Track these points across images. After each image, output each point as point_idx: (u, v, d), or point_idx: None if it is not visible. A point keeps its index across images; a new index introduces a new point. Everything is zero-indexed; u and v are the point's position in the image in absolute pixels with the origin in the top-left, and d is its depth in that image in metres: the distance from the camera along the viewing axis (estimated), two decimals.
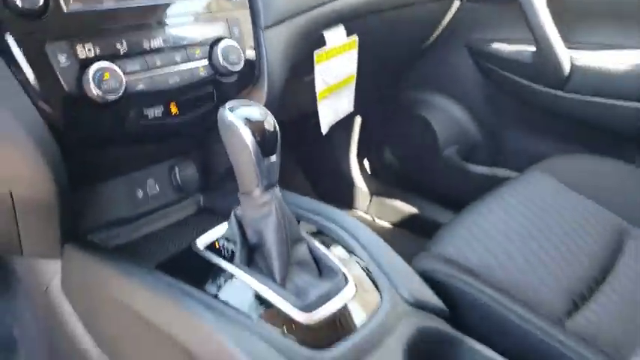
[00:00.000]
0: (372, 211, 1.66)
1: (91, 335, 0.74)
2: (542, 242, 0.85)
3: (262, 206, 0.59)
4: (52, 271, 0.77)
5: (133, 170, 0.79)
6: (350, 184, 1.66)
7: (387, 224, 1.62)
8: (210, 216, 0.84)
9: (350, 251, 0.70)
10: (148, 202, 0.81)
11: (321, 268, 0.65)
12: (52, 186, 0.60)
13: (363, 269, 0.68)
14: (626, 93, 1.12)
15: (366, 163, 1.70)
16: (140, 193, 0.80)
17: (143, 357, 0.67)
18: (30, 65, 0.53)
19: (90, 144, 0.65)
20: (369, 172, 1.70)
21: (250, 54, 0.74)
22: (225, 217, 0.68)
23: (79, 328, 0.75)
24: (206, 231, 0.72)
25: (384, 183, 1.68)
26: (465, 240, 0.85)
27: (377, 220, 1.63)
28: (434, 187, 1.53)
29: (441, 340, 0.66)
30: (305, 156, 1.64)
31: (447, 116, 1.46)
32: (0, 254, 0.95)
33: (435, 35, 1.37)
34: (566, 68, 1.16)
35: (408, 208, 1.59)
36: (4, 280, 1.04)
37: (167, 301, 0.60)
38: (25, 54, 0.52)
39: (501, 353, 0.64)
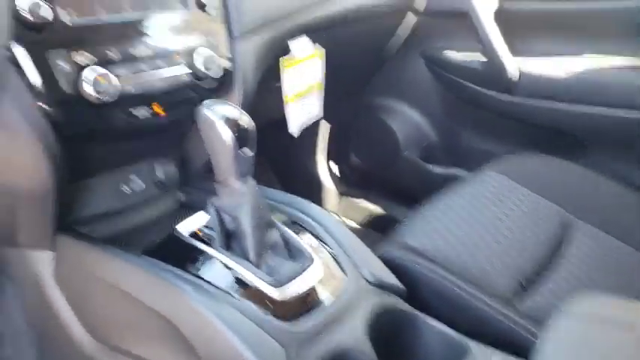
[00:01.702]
0: (340, 210, 1.75)
1: (82, 322, 0.80)
2: (492, 232, 0.94)
3: (238, 194, 0.67)
4: (43, 261, 0.83)
5: (118, 167, 0.86)
6: (319, 185, 1.74)
7: (353, 223, 1.71)
8: (189, 210, 0.92)
9: (318, 238, 0.79)
10: (132, 197, 0.88)
11: (291, 251, 0.73)
12: (51, 178, 0.67)
13: (330, 253, 0.77)
14: (567, 96, 1.24)
15: (333, 165, 1.79)
16: (125, 188, 0.87)
17: (133, 338, 0.73)
18: (33, 69, 0.61)
19: (83, 140, 0.72)
20: (337, 174, 1.80)
21: (225, 61, 0.82)
22: (202, 209, 0.76)
23: (70, 316, 0.81)
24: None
25: (350, 184, 1.77)
26: (423, 230, 0.94)
27: (345, 219, 1.72)
28: (396, 186, 1.63)
29: (399, 317, 0.74)
30: (276, 159, 1.72)
31: (407, 120, 1.57)
32: None
33: (393, 45, 1.48)
34: (514, 75, 1.28)
35: (373, 207, 1.69)
36: None
37: (153, 280, 0.68)
38: (30, 60, 0.60)
39: (454, 328, 0.72)
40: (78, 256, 0.78)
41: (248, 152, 0.65)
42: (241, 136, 0.64)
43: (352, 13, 1.15)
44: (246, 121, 0.65)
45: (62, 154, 0.68)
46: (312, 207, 0.85)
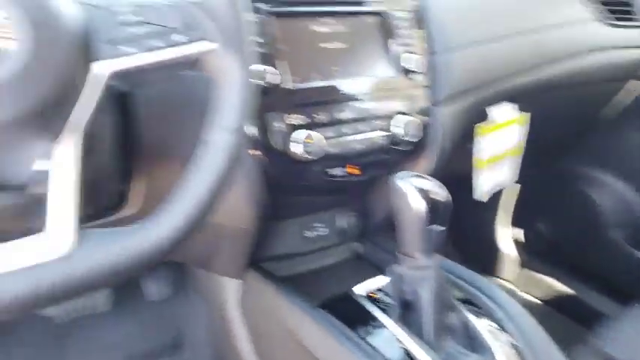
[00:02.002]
0: (520, 283, 1.60)
1: (255, 350, 0.86)
2: None
3: (422, 269, 0.65)
4: (231, 288, 0.91)
5: (305, 214, 0.92)
6: (498, 251, 1.63)
7: (535, 300, 1.55)
8: (365, 263, 0.94)
9: (500, 326, 0.72)
10: (313, 242, 0.93)
11: (470, 338, 0.68)
12: (254, 219, 0.74)
13: (515, 350, 0.69)
14: None
15: (516, 231, 1.66)
16: (308, 234, 0.92)
17: None
18: (254, 127, 0.68)
19: (282, 190, 0.78)
20: (520, 242, 1.66)
21: (424, 127, 0.82)
22: (378, 266, 0.76)
23: (246, 341, 0.88)
24: (362, 278, 0.80)
25: (535, 256, 1.61)
26: (633, 341, 0.80)
27: (524, 294, 1.57)
28: (593, 269, 1.44)
29: None
30: (453, 217, 1.66)
31: (615, 195, 1.38)
32: (189, 265, 1.13)
33: (608, 113, 1.33)
34: None
35: (560, 287, 1.51)
36: (183, 286, 1.24)
37: (326, 336, 0.69)
38: (252, 118, 0.67)
39: None
40: (262, 291, 0.84)
41: (439, 229, 0.63)
42: (434, 211, 0.62)
43: (564, 80, 1.06)
44: (441, 195, 0.63)
45: (264, 199, 0.75)
46: (494, 287, 0.78)
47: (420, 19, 0.85)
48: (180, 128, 0.62)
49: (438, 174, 0.83)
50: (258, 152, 0.70)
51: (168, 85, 0.61)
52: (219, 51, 0.45)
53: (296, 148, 0.70)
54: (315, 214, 0.93)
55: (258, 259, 0.88)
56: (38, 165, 0.39)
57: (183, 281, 1.21)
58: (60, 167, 0.39)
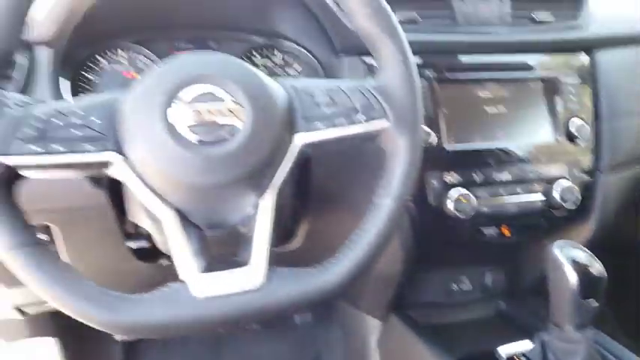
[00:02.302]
0: None
1: None
2: None
3: (572, 342, 0.64)
4: (372, 327, 0.97)
5: (452, 266, 0.94)
6: None
7: None
8: (509, 323, 0.93)
9: None
10: (457, 295, 0.95)
11: None
12: (402, 265, 0.80)
13: None
14: None
15: None
16: (453, 286, 0.95)
17: None
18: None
19: (430, 242, 0.82)
20: None
21: (585, 194, 0.81)
22: (523, 329, 0.75)
23: None
24: (506, 339, 0.80)
25: None
26: None
27: None
28: None
29: None
30: (617, 290, 1.52)
31: None
32: (341, 301, 1.21)
33: None
34: None
35: None
36: (328, 315, 1.32)
37: None
38: None
39: None
40: (402, 335, 0.89)
41: (592, 304, 0.62)
42: (588, 285, 0.61)
43: None
44: (597, 269, 0.62)
45: (414, 247, 0.80)
46: None
47: (587, 85, 0.84)
48: (348, 185, 0.70)
49: (601, 243, 0.81)
50: (413, 206, 0.75)
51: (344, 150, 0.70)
52: (392, 129, 0.52)
53: (450, 206, 0.74)
54: (462, 267, 0.95)
55: (402, 304, 0.93)
56: (248, 212, 0.50)
57: (328, 311, 1.29)
58: (262, 215, 0.49)
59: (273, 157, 0.49)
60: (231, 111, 0.47)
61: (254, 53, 0.79)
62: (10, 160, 0.44)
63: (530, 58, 0.81)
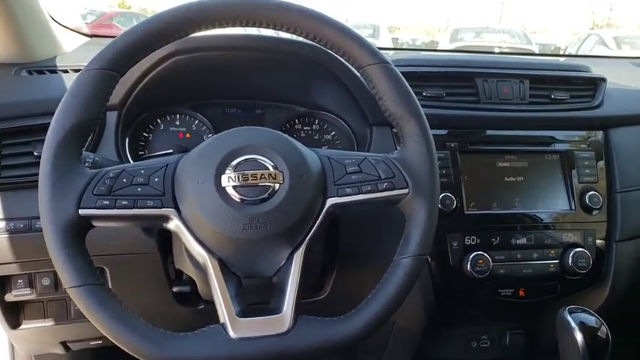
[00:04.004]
0: None
1: None
2: None
3: None
4: None
5: (472, 324, 0.98)
6: None
7: None
8: None
9: None
10: (476, 353, 0.99)
11: None
12: (422, 322, 0.86)
13: None
14: None
15: None
16: (474, 344, 0.98)
17: None
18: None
19: (454, 301, 0.87)
20: None
21: (598, 261, 0.85)
22: None
23: None
24: None
25: None
26: None
27: None
28: None
29: None
30: (626, 352, 1.51)
31: None
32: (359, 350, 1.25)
33: None
34: None
35: None
36: None
37: None
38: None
39: None
40: None
41: None
42: (595, 349, 0.66)
43: None
44: (604, 333, 0.67)
45: (435, 304, 0.85)
46: None
47: (601, 159, 0.90)
48: (372, 243, 0.77)
49: (614, 309, 0.85)
50: (435, 266, 0.81)
51: (369, 212, 0.77)
52: (411, 196, 0.59)
53: (468, 267, 0.80)
54: (482, 326, 0.99)
55: (423, 359, 0.97)
56: (280, 264, 0.57)
57: None
58: (293, 267, 0.56)
59: (306, 216, 0.57)
60: (272, 176, 0.55)
61: (296, 121, 0.88)
62: (86, 212, 0.53)
63: (548, 134, 0.89)
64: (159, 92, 0.80)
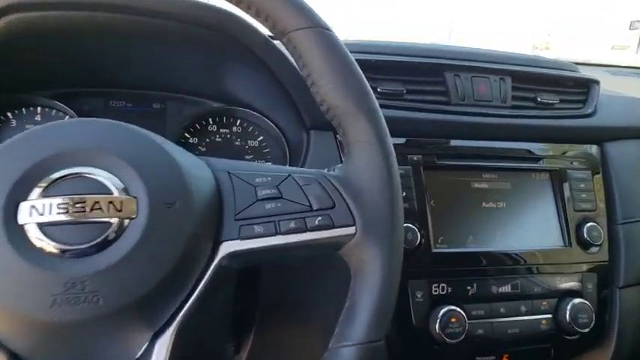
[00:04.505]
0: None
1: None
2: None
3: None
4: None
5: None
6: None
7: None
8: None
9: None
10: None
11: None
12: None
13: None
14: None
15: None
16: None
17: None
18: None
19: None
20: None
21: (598, 313, 0.65)
22: None
23: None
24: None
25: None
26: None
27: None
28: None
29: None
30: None
31: None
32: None
33: None
34: None
35: None
36: None
37: None
38: None
39: None
40: None
41: None
42: None
43: None
44: None
45: None
46: None
47: (598, 180, 0.71)
48: (303, 295, 0.54)
49: None
50: (391, 326, 0.58)
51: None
52: (359, 239, 0.37)
53: (436, 327, 0.58)
54: None
55: None
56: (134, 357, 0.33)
57: None
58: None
59: (178, 275, 0.32)
60: (115, 205, 0.31)
61: (209, 120, 0.65)
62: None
63: (534, 147, 0.69)
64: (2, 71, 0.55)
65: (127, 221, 0.31)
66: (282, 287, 0.57)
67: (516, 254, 0.64)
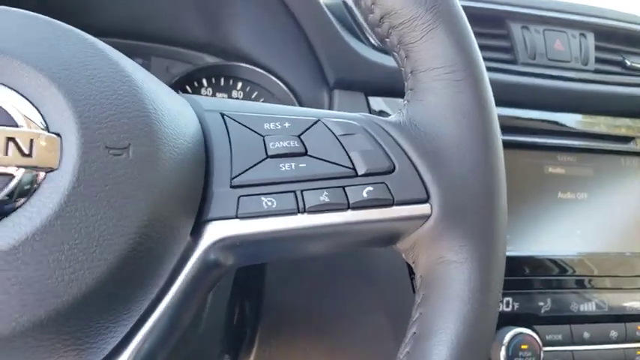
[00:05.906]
0: None
1: None
2: None
3: None
4: None
5: None
6: None
7: None
8: None
9: None
10: None
11: None
12: None
13: None
14: None
15: None
16: None
17: None
18: None
19: None
20: None
21: None
22: None
23: None
24: None
25: None
26: None
27: None
28: None
29: None
30: None
31: None
32: None
33: None
34: None
35: None
36: None
37: None
38: None
39: None
40: None
41: None
42: None
43: None
44: None
45: None
46: None
47: None
48: (318, 297, 0.40)
49: None
50: None
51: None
52: (436, 223, 0.23)
53: (501, 356, 0.43)
54: None
55: None
56: None
57: None
58: None
59: (128, 277, 0.19)
60: (18, 146, 0.18)
61: (203, 81, 0.53)
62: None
63: (624, 123, 0.54)
64: None
65: (41, 175, 0.18)
66: (294, 290, 0.43)
67: (603, 261, 0.49)
